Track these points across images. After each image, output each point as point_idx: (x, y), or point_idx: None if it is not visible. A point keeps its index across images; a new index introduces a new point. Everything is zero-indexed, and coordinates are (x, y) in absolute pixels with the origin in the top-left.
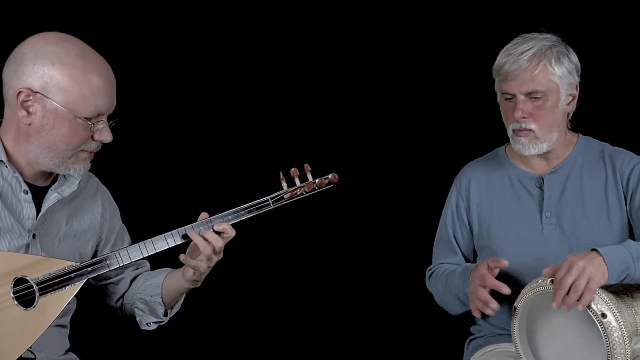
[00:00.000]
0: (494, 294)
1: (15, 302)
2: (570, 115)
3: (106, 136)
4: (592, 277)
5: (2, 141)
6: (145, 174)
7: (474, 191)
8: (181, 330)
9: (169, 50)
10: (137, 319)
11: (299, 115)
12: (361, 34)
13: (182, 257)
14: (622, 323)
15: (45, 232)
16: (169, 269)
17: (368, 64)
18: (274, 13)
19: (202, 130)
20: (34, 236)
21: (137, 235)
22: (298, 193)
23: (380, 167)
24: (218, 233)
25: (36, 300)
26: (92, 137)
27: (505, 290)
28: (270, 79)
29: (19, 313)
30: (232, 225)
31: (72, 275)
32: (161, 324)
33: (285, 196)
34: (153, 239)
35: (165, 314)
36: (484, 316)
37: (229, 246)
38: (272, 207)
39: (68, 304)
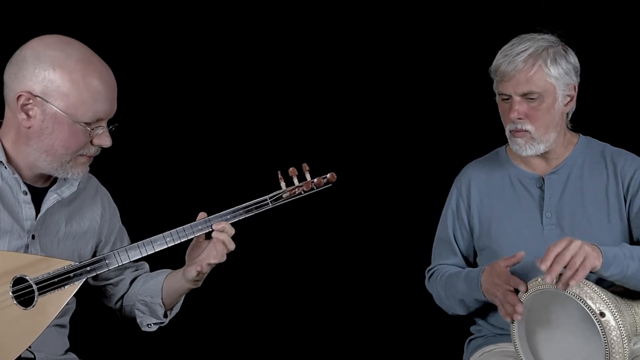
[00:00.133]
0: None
1: (15, 302)
2: (570, 116)
3: (105, 141)
4: (587, 256)
5: (2, 142)
6: (144, 174)
7: (474, 191)
8: (181, 330)
9: (168, 51)
10: (138, 320)
11: (298, 114)
12: (361, 34)
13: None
14: (620, 323)
15: (44, 233)
16: (169, 270)
17: (368, 64)
18: (272, 13)
19: (200, 131)
20: (33, 237)
21: (137, 235)
22: (296, 192)
23: (380, 167)
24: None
25: (35, 299)
26: (91, 142)
27: (522, 287)
28: (268, 79)
29: (18, 312)
30: (230, 224)
31: (71, 274)
32: (161, 325)
33: (284, 195)
34: (152, 238)
35: (165, 315)
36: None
37: None
38: (270, 206)
39: (67, 303)
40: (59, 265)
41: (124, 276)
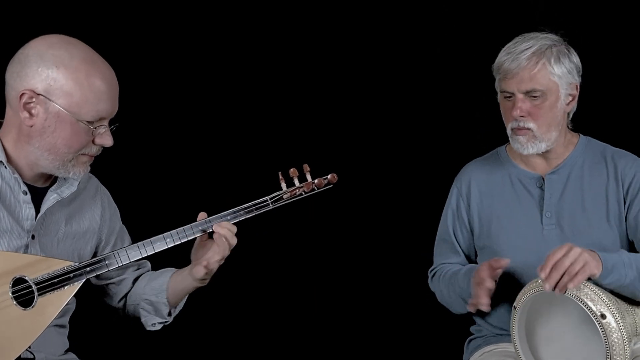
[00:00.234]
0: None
1: (14, 302)
2: (571, 116)
3: (107, 140)
4: (587, 263)
5: (2, 142)
6: (144, 174)
7: (475, 191)
8: (181, 331)
9: (170, 52)
10: (142, 320)
11: (298, 115)
12: (361, 34)
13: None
14: (621, 324)
15: (44, 233)
16: (173, 269)
17: (368, 64)
18: (273, 14)
19: (201, 131)
20: (32, 237)
21: (137, 235)
22: (297, 193)
23: (380, 168)
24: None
25: (35, 300)
26: (93, 141)
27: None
28: (269, 80)
29: (18, 313)
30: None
31: (71, 275)
32: (165, 324)
33: (285, 196)
34: (152, 239)
35: (169, 314)
36: (479, 313)
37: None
38: (271, 207)
39: (67, 304)
40: (58, 265)
41: (126, 275)
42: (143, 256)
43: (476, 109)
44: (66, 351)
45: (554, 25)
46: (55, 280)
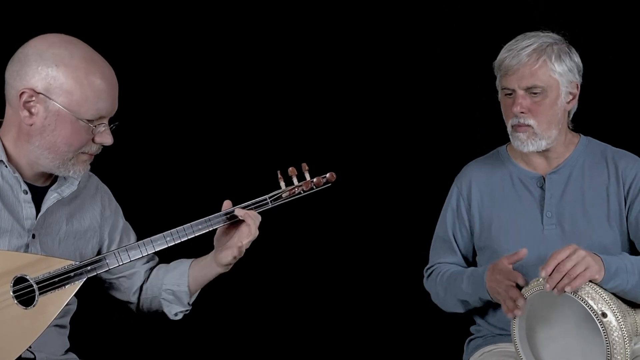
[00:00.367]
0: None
1: (15, 301)
2: (572, 115)
3: (107, 139)
4: (589, 267)
5: (2, 141)
6: (143, 173)
7: (475, 191)
8: (181, 331)
9: (169, 51)
10: (165, 310)
11: (297, 114)
12: (361, 34)
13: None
14: (622, 323)
15: (45, 232)
16: (188, 260)
17: (368, 64)
18: (272, 13)
19: (200, 130)
20: (33, 236)
21: (136, 234)
22: (296, 192)
23: (379, 167)
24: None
25: (36, 299)
26: (93, 140)
27: (521, 281)
28: (268, 79)
29: (19, 312)
30: (230, 224)
31: (72, 274)
32: (186, 313)
33: (284, 195)
34: (152, 238)
35: (189, 303)
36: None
37: None
38: (270, 206)
39: (68, 303)
40: (59, 264)
41: (136, 269)
42: (143, 255)
43: (476, 109)
44: (66, 351)
45: (554, 26)
46: (56, 279)
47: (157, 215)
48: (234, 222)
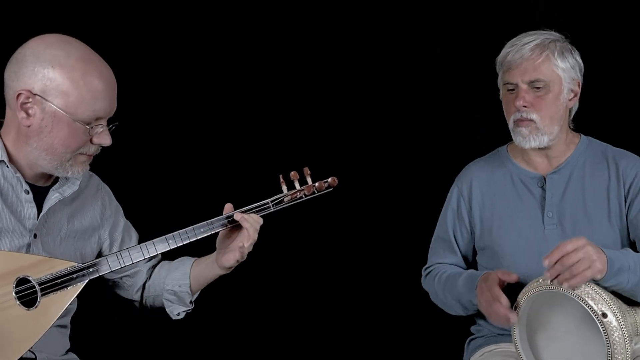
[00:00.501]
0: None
1: (17, 302)
2: (573, 114)
3: (105, 140)
4: (592, 266)
5: (3, 141)
6: (144, 175)
7: (476, 191)
8: (182, 332)
9: (171, 53)
10: (168, 310)
11: (299, 118)
12: (361, 35)
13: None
14: (622, 323)
15: (46, 232)
16: (191, 258)
17: (368, 65)
18: (274, 16)
19: (203, 134)
20: (35, 236)
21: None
22: (298, 196)
23: (380, 169)
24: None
25: (38, 300)
26: (91, 141)
27: (503, 300)
28: (271, 82)
29: (21, 313)
30: (232, 228)
31: (74, 275)
32: (188, 312)
33: (285, 199)
34: (154, 240)
35: (191, 302)
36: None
37: None
38: (272, 210)
39: (69, 304)
40: (62, 266)
41: (139, 267)
42: (145, 257)
43: (476, 109)
44: (67, 351)
45: (554, 26)
46: (59, 280)
47: (158, 217)
48: (236, 226)
